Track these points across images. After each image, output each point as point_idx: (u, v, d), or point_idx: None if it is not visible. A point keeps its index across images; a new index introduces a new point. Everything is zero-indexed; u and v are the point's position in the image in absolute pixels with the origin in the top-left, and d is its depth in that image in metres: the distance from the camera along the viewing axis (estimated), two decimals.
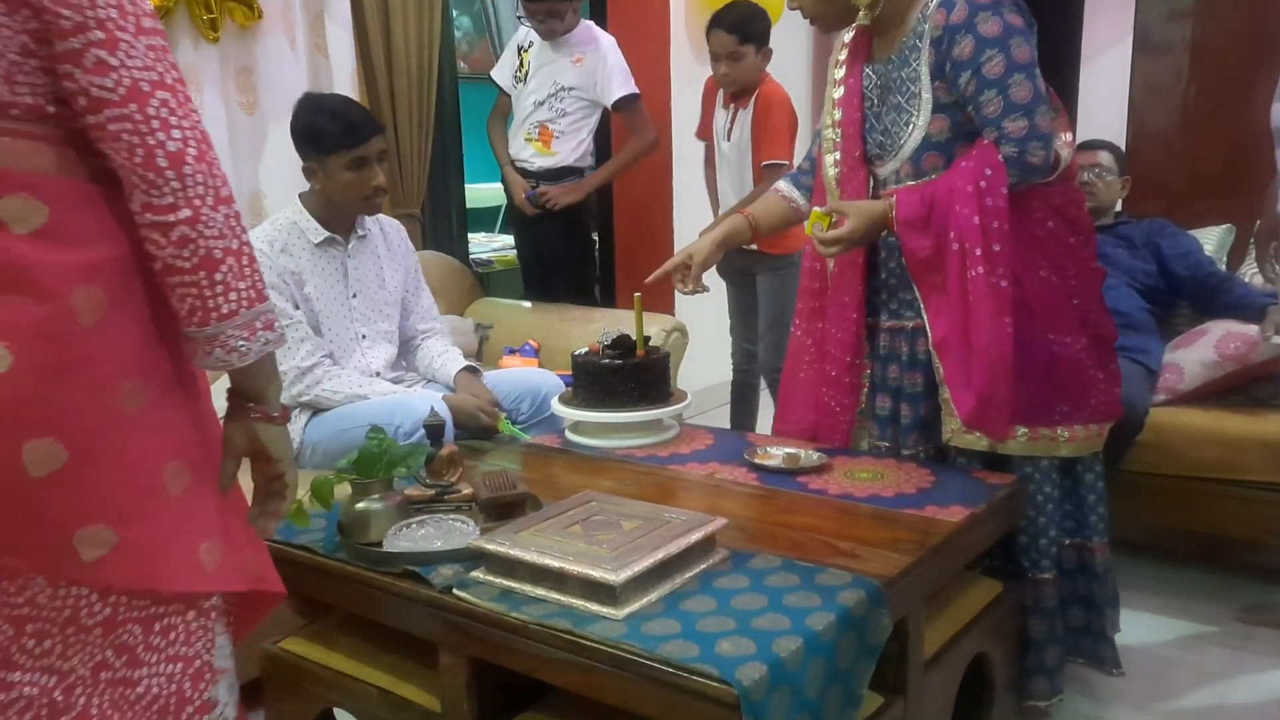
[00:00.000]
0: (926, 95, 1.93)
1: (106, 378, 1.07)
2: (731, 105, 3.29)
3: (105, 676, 1.11)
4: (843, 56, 2.13)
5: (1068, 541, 2.07)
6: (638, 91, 3.44)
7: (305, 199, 2.48)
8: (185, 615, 1.16)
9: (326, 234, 2.44)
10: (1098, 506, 2.09)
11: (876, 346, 2.13)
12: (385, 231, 2.61)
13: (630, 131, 3.52)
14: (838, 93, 2.12)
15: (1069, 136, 1.99)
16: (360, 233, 2.52)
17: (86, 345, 1.05)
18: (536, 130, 3.45)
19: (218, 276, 1.08)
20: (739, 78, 3.22)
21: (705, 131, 3.49)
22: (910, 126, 1.96)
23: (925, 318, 1.97)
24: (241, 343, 1.11)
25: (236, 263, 1.09)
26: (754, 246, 3.30)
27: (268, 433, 1.19)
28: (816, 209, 1.98)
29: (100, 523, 1.07)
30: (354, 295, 2.50)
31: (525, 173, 3.51)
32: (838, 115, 2.11)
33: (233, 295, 1.09)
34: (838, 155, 2.12)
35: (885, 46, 2.02)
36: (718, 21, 3.20)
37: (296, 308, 2.39)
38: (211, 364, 1.13)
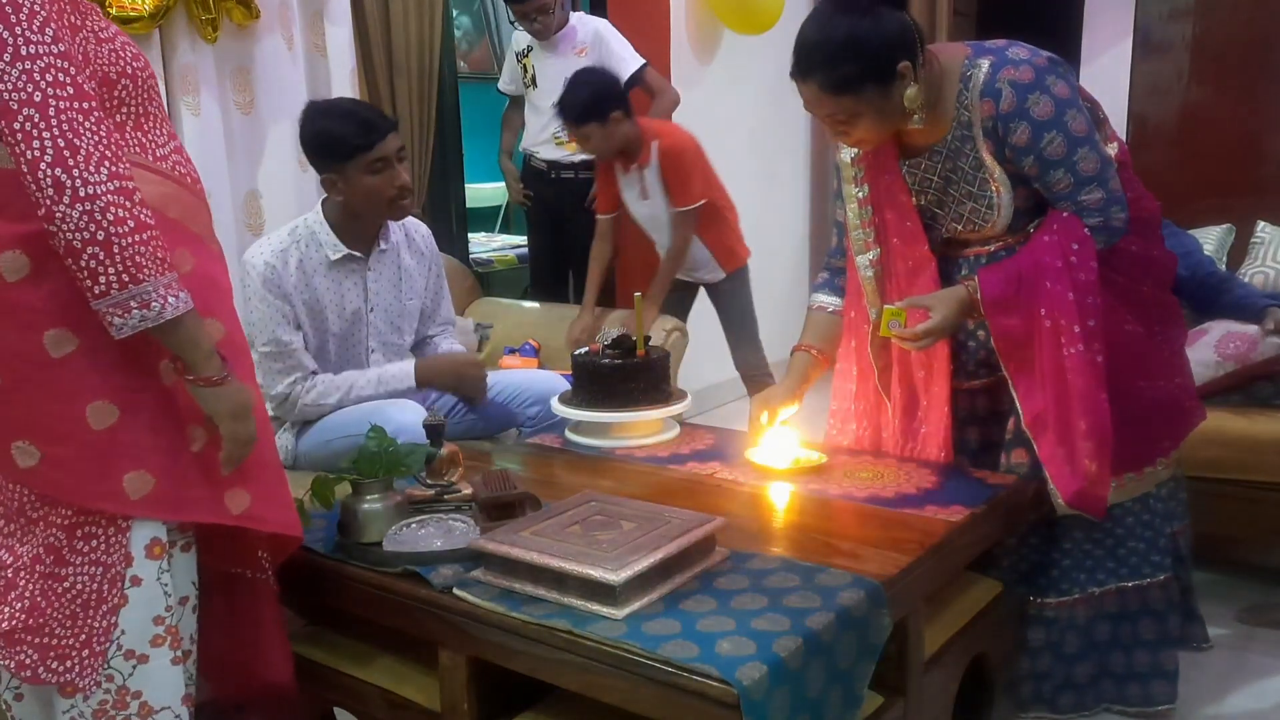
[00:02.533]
0: (1000, 175, 1.86)
1: (28, 323, 1.31)
2: (630, 169, 3.11)
3: (39, 569, 1.36)
4: (857, 154, 2.03)
5: None
6: (645, 61, 3.42)
7: (327, 209, 2.38)
8: (107, 530, 1.37)
9: (345, 251, 2.35)
10: (1178, 492, 2.09)
11: (955, 409, 2.05)
12: (411, 238, 2.52)
13: (650, 100, 3.44)
14: (860, 192, 2.04)
15: (1116, 132, 1.96)
16: (383, 246, 2.42)
17: (9, 295, 1.30)
18: (565, 133, 3.43)
19: (82, 263, 1.26)
20: (599, 150, 3.06)
21: (607, 204, 3.26)
22: (995, 209, 1.89)
23: (1016, 395, 1.91)
24: (116, 319, 1.29)
25: (103, 252, 1.25)
26: (703, 275, 3.27)
27: (197, 392, 1.40)
28: (888, 306, 1.92)
29: (28, 438, 1.34)
30: (371, 309, 2.43)
31: (558, 166, 3.52)
32: (867, 214, 2.04)
33: (101, 280, 1.26)
34: (873, 255, 2.05)
35: (921, 139, 1.93)
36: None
37: (298, 328, 2.33)
38: (114, 332, 1.30)
